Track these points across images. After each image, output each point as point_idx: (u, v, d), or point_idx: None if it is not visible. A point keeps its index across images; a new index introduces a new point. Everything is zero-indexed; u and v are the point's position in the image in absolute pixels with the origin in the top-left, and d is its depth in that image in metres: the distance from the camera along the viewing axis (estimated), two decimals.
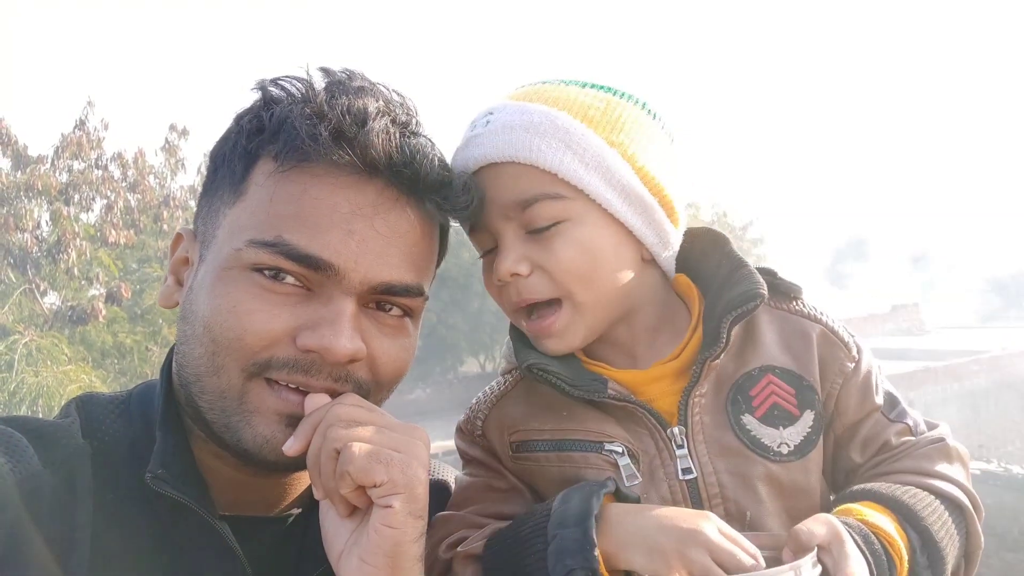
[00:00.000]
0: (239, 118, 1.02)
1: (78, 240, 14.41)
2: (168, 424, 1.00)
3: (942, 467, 1.08)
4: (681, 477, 1.06)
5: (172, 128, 18.48)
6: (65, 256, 14.22)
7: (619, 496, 0.99)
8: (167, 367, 1.06)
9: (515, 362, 1.19)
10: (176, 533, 0.96)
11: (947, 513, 1.03)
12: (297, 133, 0.94)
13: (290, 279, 0.95)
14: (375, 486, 0.88)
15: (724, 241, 1.21)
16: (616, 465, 1.07)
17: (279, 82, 1.01)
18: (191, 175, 18.67)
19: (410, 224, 1.00)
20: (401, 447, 0.90)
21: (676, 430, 1.08)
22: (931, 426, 1.16)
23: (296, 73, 1.01)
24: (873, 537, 0.97)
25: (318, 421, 0.92)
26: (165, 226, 16.99)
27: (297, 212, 0.94)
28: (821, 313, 1.17)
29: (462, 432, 1.25)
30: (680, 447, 1.07)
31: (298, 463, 0.93)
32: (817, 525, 0.94)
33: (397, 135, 0.98)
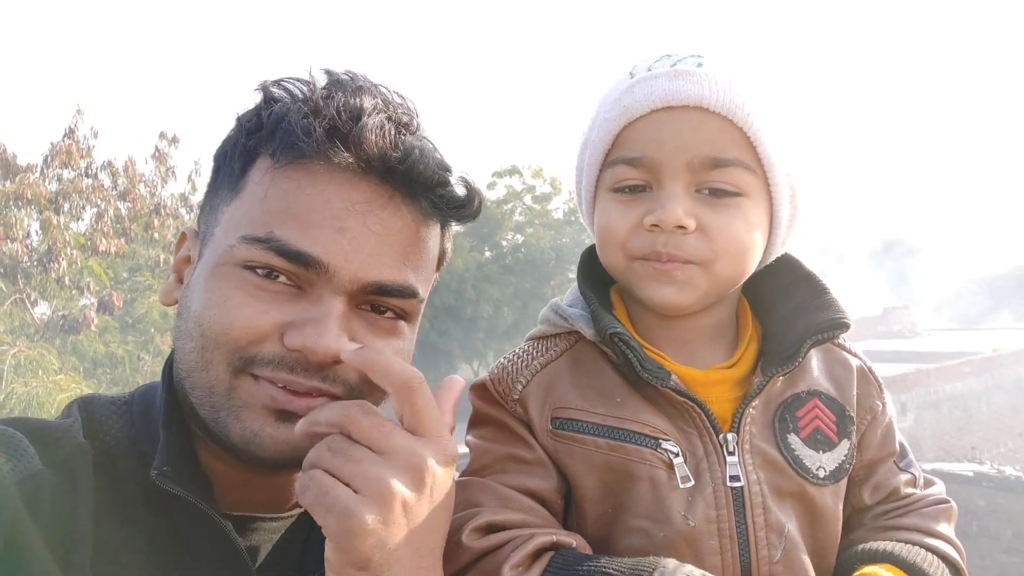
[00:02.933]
0: (240, 118, 1.02)
1: (68, 249, 14.37)
2: (171, 424, 1.00)
3: (943, 528, 1.14)
4: (728, 483, 1.05)
5: (162, 136, 18.32)
6: (55, 265, 14.16)
7: None
8: (168, 368, 1.06)
9: (563, 327, 1.15)
10: (179, 531, 0.95)
11: (948, 574, 1.10)
12: (292, 130, 0.94)
13: (282, 278, 0.94)
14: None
15: (800, 264, 1.20)
16: (671, 464, 1.04)
17: (281, 83, 1.00)
18: (181, 183, 18.60)
19: (404, 223, 0.99)
20: (366, 487, 0.80)
21: (729, 436, 1.07)
22: (928, 483, 1.22)
23: (299, 75, 1.01)
24: None
25: (327, 422, 0.87)
26: (156, 234, 16.87)
27: (289, 208, 0.94)
28: (858, 351, 1.21)
29: (487, 392, 1.14)
30: (731, 454, 1.06)
31: (288, 461, 0.92)
32: None
33: (392, 132, 0.97)
